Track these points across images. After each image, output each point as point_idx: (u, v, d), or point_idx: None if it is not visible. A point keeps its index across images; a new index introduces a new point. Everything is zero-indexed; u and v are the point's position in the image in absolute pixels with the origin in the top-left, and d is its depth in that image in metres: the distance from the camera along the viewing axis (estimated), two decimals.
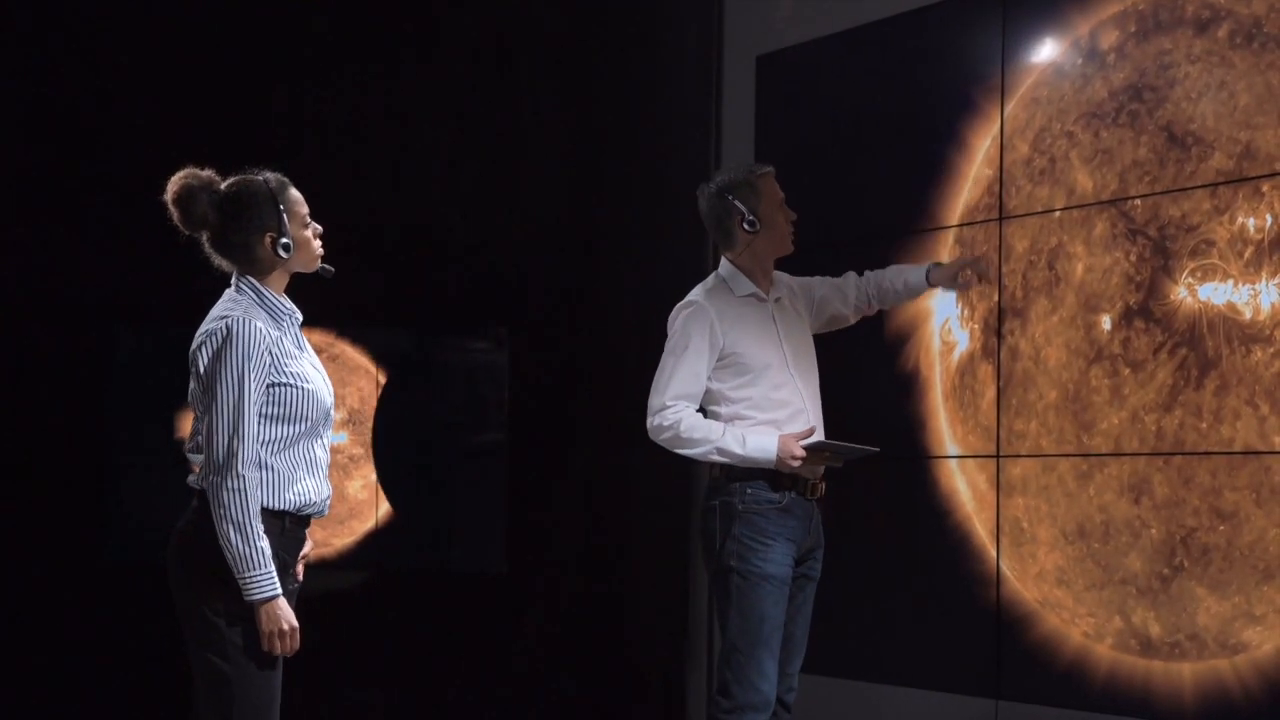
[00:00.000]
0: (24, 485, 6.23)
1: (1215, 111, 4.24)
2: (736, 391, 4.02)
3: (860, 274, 4.34)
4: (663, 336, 6.02)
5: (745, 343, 4.03)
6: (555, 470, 6.26)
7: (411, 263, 6.30)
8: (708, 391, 4.03)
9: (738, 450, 3.93)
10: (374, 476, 6.28)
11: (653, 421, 3.99)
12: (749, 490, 3.97)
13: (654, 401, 4.01)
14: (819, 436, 4.04)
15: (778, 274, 4.23)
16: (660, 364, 4.04)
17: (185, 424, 6.29)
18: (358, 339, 6.25)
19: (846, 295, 4.30)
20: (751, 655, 3.94)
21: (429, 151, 6.34)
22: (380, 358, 6.33)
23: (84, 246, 6.26)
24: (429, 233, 6.32)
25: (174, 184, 3.29)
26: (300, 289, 3.51)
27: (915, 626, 5.05)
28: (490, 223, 6.33)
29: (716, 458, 3.96)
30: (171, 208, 3.29)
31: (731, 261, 4.13)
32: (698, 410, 4.02)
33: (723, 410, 4.01)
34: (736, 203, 4.07)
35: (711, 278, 4.16)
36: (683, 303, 4.10)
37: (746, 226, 4.06)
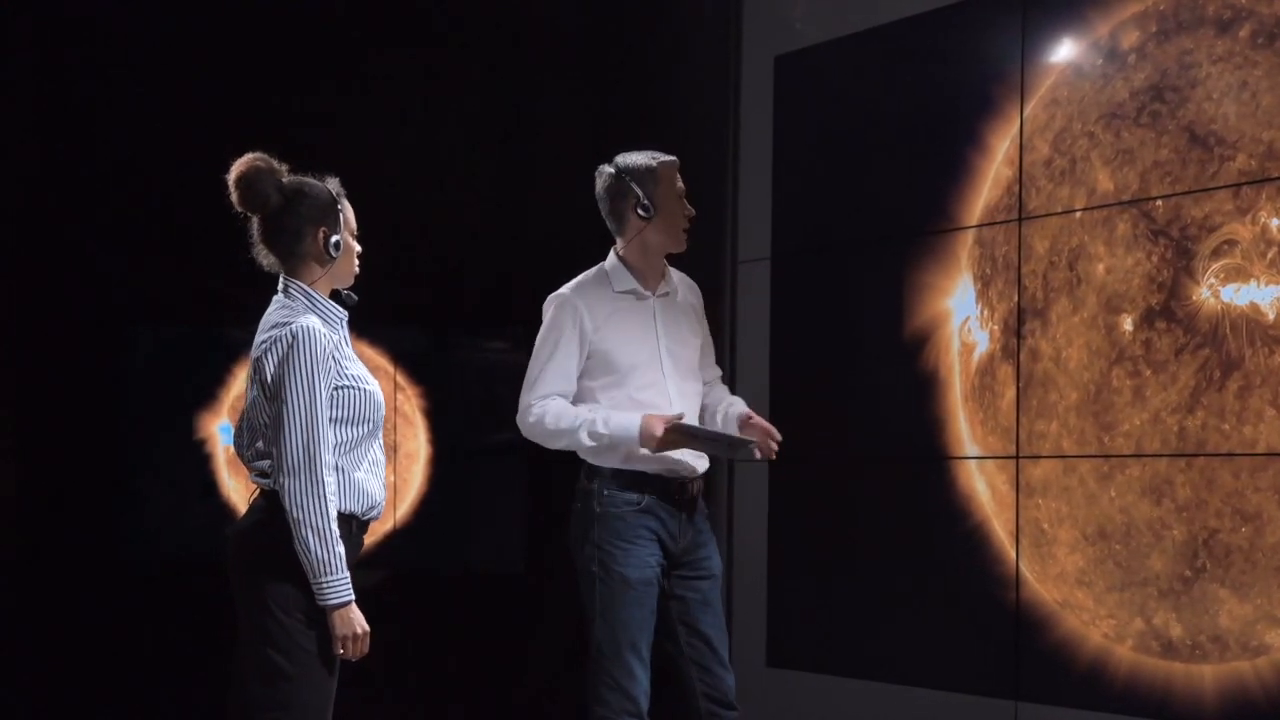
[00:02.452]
0: (41, 484, 6.24)
1: (1238, 112, 4.23)
2: (603, 391, 3.94)
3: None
4: None
5: (614, 341, 3.94)
6: (573, 470, 6.25)
7: (428, 263, 6.30)
8: (578, 389, 3.95)
9: (602, 429, 3.83)
10: (392, 478, 6.28)
11: (522, 420, 3.91)
12: (606, 492, 3.90)
13: (523, 400, 3.92)
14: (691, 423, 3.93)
15: (680, 276, 4.14)
16: (531, 360, 3.95)
17: (206, 424, 6.30)
18: (375, 339, 6.26)
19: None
20: (619, 660, 3.87)
21: (446, 151, 6.34)
22: (398, 358, 6.34)
23: (101, 248, 6.27)
24: (445, 233, 6.32)
25: (242, 163, 3.29)
26: None
27: (934, 627, 5.03)
28: (507, 222, 6.33)
29: (586, 442, 3.86)
30: (233, 187, 3.27)
31: (618, 254, 4.03)
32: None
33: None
34: (634, 186, 3.96)
35: (595, 269, 4.05)
36: (554, 294, 4.00)
37: (640, 211, 3.95)
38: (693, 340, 4.10)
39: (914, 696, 5.06)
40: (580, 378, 3.95)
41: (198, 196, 6.10)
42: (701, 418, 4.11)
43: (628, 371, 3.95)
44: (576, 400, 3.95)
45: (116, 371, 6.35)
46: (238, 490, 6.20)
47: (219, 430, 6.24)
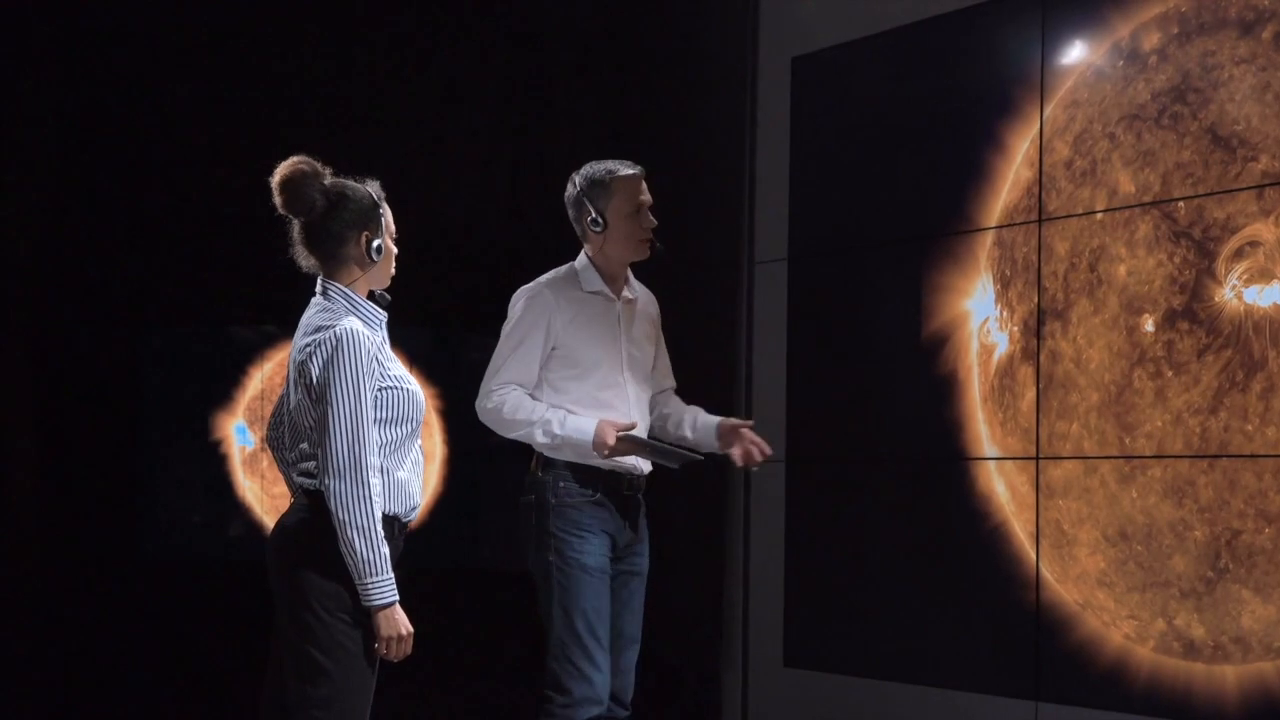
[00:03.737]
0: (58, 485, 6.24)
1: (1260, 113, 4.23)
2: (563, 384, 4.02)
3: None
4: (694, 336, 6.03)
5: (580, 337, 4.03)
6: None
7: (442, 264, 6.30)
8: (540, 380, 4.03)
9: (557, 430, 3.93)
10: None
11: (480, 404, 4.00)
12: (561, 484, 3.98)
13: (485, 385, 4.01)
14: (641, 435, 4.05)
15: (642, 286, 4.25)
16: (498, 347, 4.04)
17: (222, 425, 6.30)
18: (390, 340, 6.26)
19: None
20: (580, 647, 3.94)
21: (460, 152, 6.34)
22: (413, 359, 6.33)
23: (116, 249, 6.28)
24: (460, 233, 6.32)
25: (286, 167, 3.30)
26: None
27: (953, 628, 5.04)
28: (522, 223, 6.32)
29: (540, 438, 3.95)
30: (278, 191, 3.29)
31: (589, 256, 4.12)
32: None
33: (546, 400, 4.02)
34: (586, 200, 4.07)
35: (565, 267, 4.14)
36: (525, 287, 4.10)
37: (593, 227, 4.06)
38: (649, 349, 4.22)
39: (932, 697, 5.06)
40: (543, 369, 4.03)
41: (215, 198, 6.12)
42: (665, 426, 4.22)
43: (590, 369, 4.04)
44: (537, 391, 4.03)
45: (133, 372, 6.35)
46: (253, 490, 6.20)
47: (234, 430, 6.24)
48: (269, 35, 6.22)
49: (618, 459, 4.00)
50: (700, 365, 5.94)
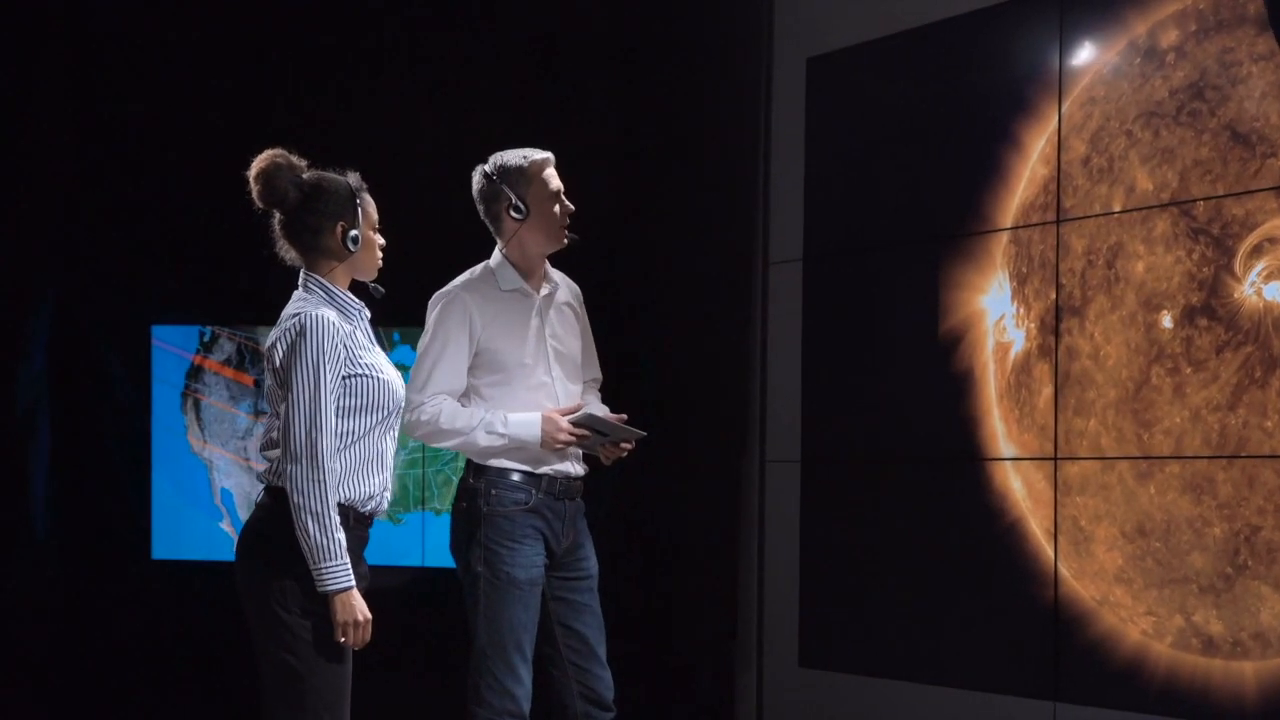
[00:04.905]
0: (70, 484, 6.25)
1: (1279, 110, 4.23)
2: (489, 389, 3.93)
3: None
4: (709, 336, 6.04)
5: (501, 339, 3.93)
6: (599, 470, 6.25)
7: (446, 262, 6.30)
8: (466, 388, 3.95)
9: (500, 428, 3.84)
10: (424, 473, 6.29)
11: (411, 418, 3.86)
12: (493, 492, 3.89)
13: (412, 397, 3.86)
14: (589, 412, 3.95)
15: (561, 276, 4.15)
16: (418, 358, 3.94)
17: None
18: (403, 339, 6.27)
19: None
20: (503, 661, 3.86)
21: (471, 150, 6.34)
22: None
23: (130, 248, 6.29)
24: (469, 233, 6.33)
25: (261, 159, 3.32)
26: None
27: (968, 627, 5.03)
28: None
29: (483, 441, 3.85)
30: (253, 182, 3.31)
31: (503, 253, 4.02)
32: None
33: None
34: (504, 187, 3.95)
35: (480, 267, 4.04)
36: (441, 292, 3.99)
37: (513, 213, 3.94)
38: (575, 341, 4.12)
39: (949, 697, 5.06)
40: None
41: (228, 197, 6.13)
42: None
43: (515, 370, 3.95)
44: (464, 400, 3.95)
45: (143, 370, 6.36)
46: None
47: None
48: (281, 37, 6.24)
49: (553, 458, 3.91)
50: (715, 366, 5.96)
